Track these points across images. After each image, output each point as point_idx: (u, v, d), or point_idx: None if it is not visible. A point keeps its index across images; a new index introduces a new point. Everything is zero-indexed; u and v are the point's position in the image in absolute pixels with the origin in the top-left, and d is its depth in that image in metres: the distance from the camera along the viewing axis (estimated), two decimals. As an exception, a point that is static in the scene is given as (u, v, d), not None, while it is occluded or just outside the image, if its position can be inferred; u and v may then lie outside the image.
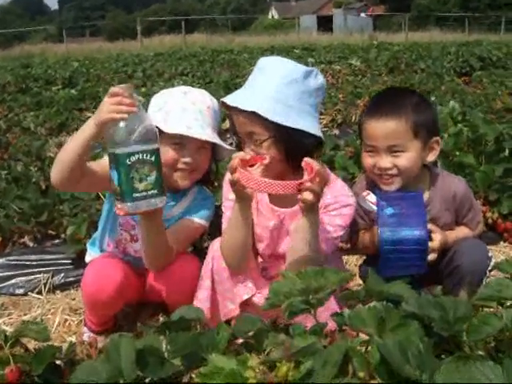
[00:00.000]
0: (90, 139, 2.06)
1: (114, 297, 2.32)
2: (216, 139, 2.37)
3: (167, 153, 2.31)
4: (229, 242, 2.17)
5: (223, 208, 2.33)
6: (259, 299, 2.22)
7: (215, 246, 2.27)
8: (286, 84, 2.04)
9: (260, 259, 2.37)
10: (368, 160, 2.31)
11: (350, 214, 2.21)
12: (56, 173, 2.16)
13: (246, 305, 2.26)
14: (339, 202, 2.18)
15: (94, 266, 2.43)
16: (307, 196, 1.86)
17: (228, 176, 2.19)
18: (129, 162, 1.93)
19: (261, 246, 2.33)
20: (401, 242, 2.18)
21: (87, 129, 2.06)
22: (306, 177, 1.87)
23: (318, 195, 1.89)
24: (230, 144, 2.86)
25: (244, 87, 2.16)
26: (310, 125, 2.06)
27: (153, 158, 1.96)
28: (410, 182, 2.33)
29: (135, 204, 1.98)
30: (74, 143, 2.12)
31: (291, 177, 2.06)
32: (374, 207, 2.30)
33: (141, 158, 1.94)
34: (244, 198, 2.02)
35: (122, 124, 1.92)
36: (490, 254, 2.37)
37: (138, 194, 1.96)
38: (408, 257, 2.19)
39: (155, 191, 1.99)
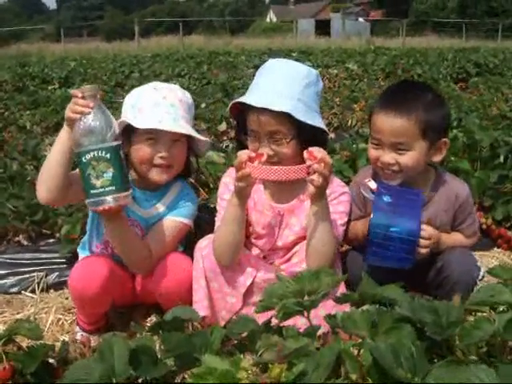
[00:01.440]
0: (64, 141, 2.16)
1: (100, 292, 2.31)
2: (189, 130, 2.37)
3: (142, 149, 2.35)
4: (222, 238, 2.22)
5: (218, 207, 2.40)
6: (261, 279, 2.27)
7: (202, 245, 2.33)
8: (306, 86, 2.21)
9: (258, 251, 2.40)
10: (372, 152, 2.32)
11: (348, 200, 2.37)
12: (42, 189, 2.23)
13: (248, 293, 2.29)
14: (336, 191, 2.32)
15: (80, 263, 2.44)
16: (316, 178, 1.99)
17: (226, 178, 2.37)
18: (84, 160, 2.02)
19: (261, 242, 2.38)
20: (392, 230, 2.16)
21: (61, 133, 2.18)
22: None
23: (326, 178, 2.02)
24: (227, 146, 2.87)
25: (259, 89, 2.24)
26: (322, 123, 2.25)
27: (108, 155, 2.02)
28: (414, 178, 2.33)
29: (94, 200, 2.06)
30: (53, 151, 2.20)
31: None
32: (372, 195, 2.29)
33: (96, 155, 2.01)
34: (243, 196, 2.13)
35: (78, 124, 2.03)
36: (478, 264, 2.38)
37: (95, 191, 2.04)
38: (396, 247, 2.17)
39: (113, 187, 2.04)
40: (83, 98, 2.04)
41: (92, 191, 2.04)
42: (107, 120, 2.05)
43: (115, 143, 2.06)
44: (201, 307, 2.27)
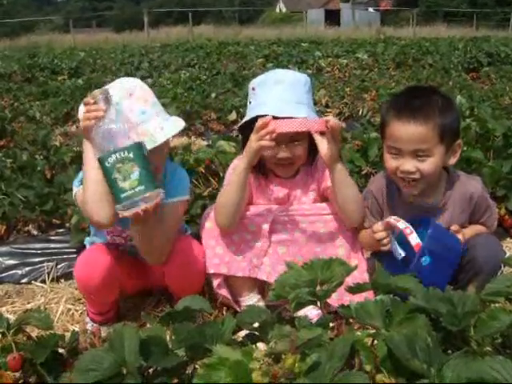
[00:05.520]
0: (91, 156, 2.07)
1: (105, 281, 2.29)
2: (179, 124, 2.28)
3: None
4: (226, 200, 2.36)
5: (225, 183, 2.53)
6: (282, 214, 2.46)
7: (206, 212, 2.53)
8: (307, 91, 2.42)
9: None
10: (391, 162, 2.29)
11: None
12: (95, 214, 2.11)
13: (271, 232, 2.46)
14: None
15: (84, 253, 2.44)
16: (334, 124, 2.16)
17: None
18: (108, 164, 1.92)
19: (271, 213, 2.48)
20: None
21: (84, 150, 2.11)
22: None
23: (338, 139, 2.24)
24: (237, 136, 2.86)
25: (274, 99, 2.34)
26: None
27: (131, 154, 1.93)
28: (428, 184, 2.31)
29: (126, 204, 1.95)
30: (87, 173, 2.10)
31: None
32: (401, 252, 2.24)
33: (119, 157, 1.92)
34: (255, 158, 2.27)
35: (95, 129, 1.96)
36: (503, 246, 2.38)
37: (125, 194, 1.93)
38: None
39: (143, 187, 1.94)
40: (95, 103, 1.98)
41: (122, 195, 1.93)
42: (123, 119, 2.00)
43: (136, 141, 1.98)
44: (210, 265, 2.40)
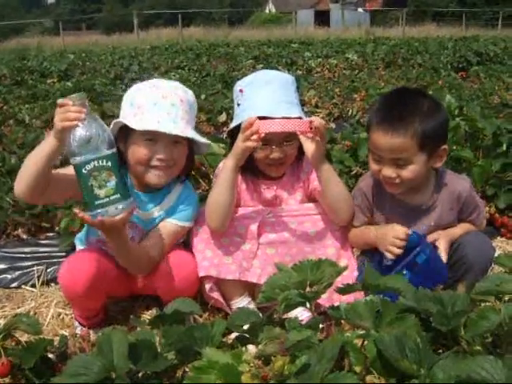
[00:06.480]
0: (49, 153, 2.07)
1: (88, 290, 2.24)
2: (189, 133, 2.31)
3: (139, 150, 2.27)
4: (215, 200, 2.36)
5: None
6: (269, 216, 2.47)
7: (200, 217, 2.47)
8: (295, 91, 2.48)
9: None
10: (374, 165, 2.33)
11: None
12: (19, 187, 2.18)
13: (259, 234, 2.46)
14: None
15: (68, 260, 2.37)
16: (318, 124, 2.18)
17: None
18: (85, 171, 1.95)
19: (259, 214, 2.50)
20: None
21: (46, 143, 2.09)
22: None
23: (324, 138, 2.26)
24: (227, 137, 2.87)
25: (265, 100, 2.37)
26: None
27: (109, 163, 1.97)
28: (416, 184, 2.33)
29: (100, 211, 1.99)
30: (34, 158, 2.12)
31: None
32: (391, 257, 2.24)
33: (97, 164, 1.95)
34: (242, 158, 2.28)
35: (73, 134, 1.94)
36: (493, 245, 2.40)
37: (100, 201, 1.98)
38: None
39: (118, 196, 1.99)
40: (73, 106, 1.96)
41: (97, 202, 1.97)
42: (101, 127, 1.98)
43: (113, 150, 2.00)
44: (200, 268, 2.36)
